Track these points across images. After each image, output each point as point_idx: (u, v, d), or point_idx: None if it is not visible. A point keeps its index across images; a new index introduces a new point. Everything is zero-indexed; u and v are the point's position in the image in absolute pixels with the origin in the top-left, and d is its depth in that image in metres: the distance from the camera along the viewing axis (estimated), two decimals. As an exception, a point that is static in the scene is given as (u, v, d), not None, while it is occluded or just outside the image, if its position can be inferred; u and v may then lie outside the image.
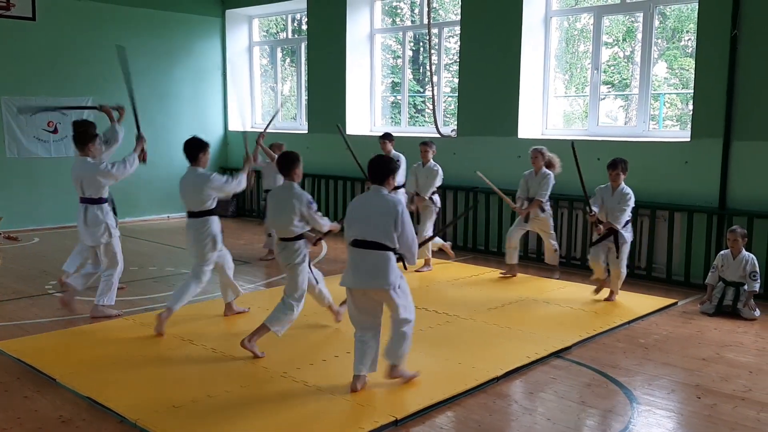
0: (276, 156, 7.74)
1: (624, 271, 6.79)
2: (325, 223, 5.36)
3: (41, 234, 10.43)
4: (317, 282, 5.65)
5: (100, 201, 6.26)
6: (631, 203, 6.62)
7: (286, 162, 5.23)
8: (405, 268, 4.69)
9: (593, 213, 6.62)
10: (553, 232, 7.79)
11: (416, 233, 4.63)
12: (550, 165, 7.57)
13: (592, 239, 7.00)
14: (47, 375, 4.79)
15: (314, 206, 5.21)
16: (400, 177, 7.86)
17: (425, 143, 8.12)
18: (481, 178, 7.80)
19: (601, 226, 6.64)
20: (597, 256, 6.81)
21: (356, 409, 4.26)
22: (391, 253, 4.42)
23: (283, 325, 5.22)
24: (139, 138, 6.60)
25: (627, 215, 6.63)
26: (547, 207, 7.62)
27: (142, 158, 6.58)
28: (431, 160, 8.05)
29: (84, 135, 6.29)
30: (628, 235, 6.70)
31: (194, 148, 5.80)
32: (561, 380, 4.86)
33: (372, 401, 4.35)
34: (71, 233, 10.52)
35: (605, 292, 6.90)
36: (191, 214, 5.83)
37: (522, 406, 4.46)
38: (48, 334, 5.72)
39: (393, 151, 8.25)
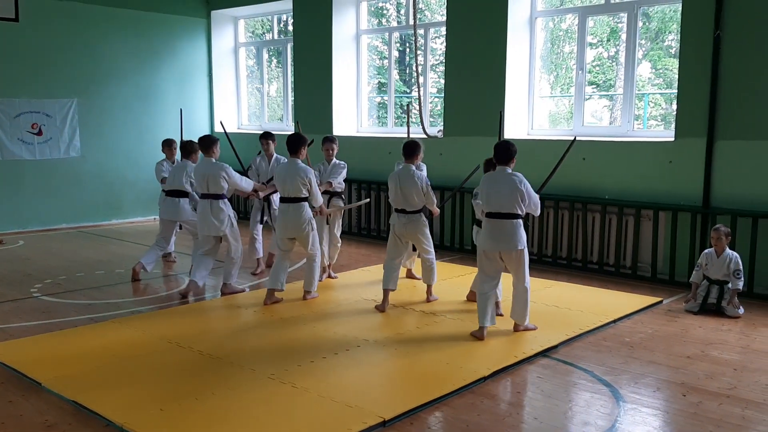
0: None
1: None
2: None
3: (26, 237, 10.34)
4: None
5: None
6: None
7: (411, 148, 6.51)
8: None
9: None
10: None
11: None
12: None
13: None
14: (32, 379, 4.75)
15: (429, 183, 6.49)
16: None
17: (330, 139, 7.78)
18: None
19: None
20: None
21: (344, 410, 4.25)
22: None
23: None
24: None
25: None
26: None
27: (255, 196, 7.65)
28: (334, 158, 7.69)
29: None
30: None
31: (295, 142, 6.56)
32: (548, 379, 4.88)
33: (360, 402, 4.35)
34: (56, 236, 10.48)
35: (597, 295, 6.87)
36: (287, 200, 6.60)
37: (510, 405, 4.48)
38: (32, 337, 5.67)
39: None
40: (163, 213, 8.09)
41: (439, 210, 6.86)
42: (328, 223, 7.56)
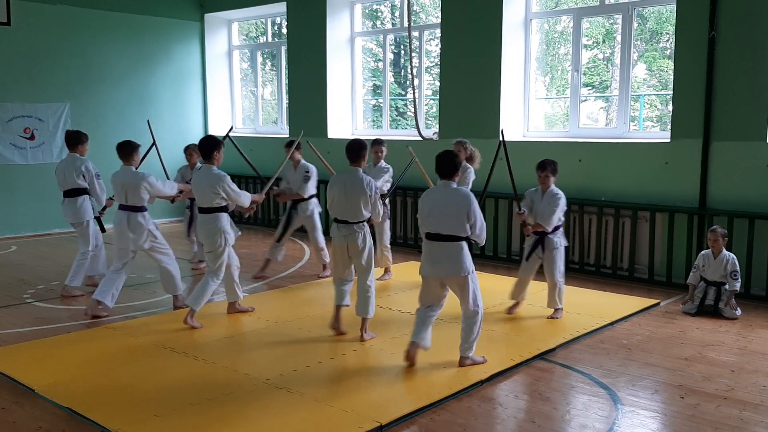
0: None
1: (560, 281, 6.26)
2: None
3: (19, 242, 10.28)
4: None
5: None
6: (562, 204, 6.15)
7: (355, 148, 5.70)
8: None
9: (522, 212, 6.20)
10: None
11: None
12: (471, 159, 7.28)
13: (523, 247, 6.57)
14: (25, 385, 4.71)
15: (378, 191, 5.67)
16: (311, 188, 7.84)
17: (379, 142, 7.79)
18: (411, 155, 7.16)
19: (530, 227, 6.23)
20: (526, 270, 6.36)
21: (341, 414, 4.22)
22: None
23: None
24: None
25: (558, 217, 6.16)
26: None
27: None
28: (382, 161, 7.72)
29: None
30: (559, 240, 6.24)
31: (209, 146, 6.01)
32: (545, 382, 4.85)
33: (356, 407, 4.32)
34: (49, 241, 10.42)
35: (590, 297, 6.86)
36: (202, 210, 6.08)
37: (507, 408, 4.45)
38: (26, 343, 5.62)
39: (302, 161, 7.89)
40: (66, 217, 7.32)
41: (380, 221, 6.27)
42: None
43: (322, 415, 4.23)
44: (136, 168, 6.46)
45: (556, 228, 6.22)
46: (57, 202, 7.40)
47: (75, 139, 7.26)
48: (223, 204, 6.03)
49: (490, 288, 7.45)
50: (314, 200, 7.96)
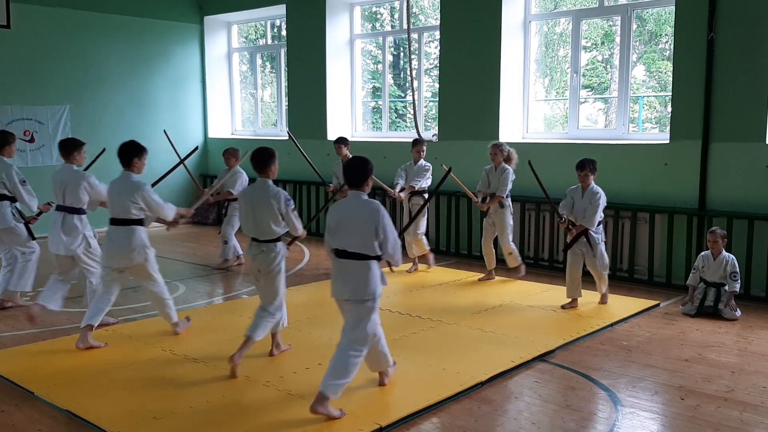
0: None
1: (603, 270, 6.67)
2: (299, 226, 5.09)
3: (18, 244, 10.26)
4: None
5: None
6: (602, 202, 6.53)
7: (262, 158, 4.94)
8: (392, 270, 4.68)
9: (563, 219, 6.54)
10: (509, 232, 7.64)
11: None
12: (508, 159, 7.61)
13: (567, 242, 6.84)
14: (24, 388, 4.70)
15: (292, 204, 4.95)
16: None
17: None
18: (448, 174, 7.39)
19: (573, 230, 6.56)
20: (573, 264, 6.66)
21: (340, 417, 4.21)
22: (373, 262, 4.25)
23: (266, 331, 5.10)
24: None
25: (599, 215, 6.54)
26: (508, 202, 7.60)
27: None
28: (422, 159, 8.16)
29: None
30: (599, 236, 6.61)
31: (129, 152, 5.52)
32: (545, 384, 4.85)
33: (356, 408, 4.31)
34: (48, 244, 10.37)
35: (594, 297, 6.86)
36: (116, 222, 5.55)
37: (507, 410, 4.44)
38: (24, 346, 5.62)
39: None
40: None
41: (305, 232, 5.30)
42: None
43: (322, 417, 4.22)
44: (78, 166, 6.17)
45: (598, 224, 6.58)
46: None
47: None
48: (140, 216, 5.53)
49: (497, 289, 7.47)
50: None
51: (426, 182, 8.09)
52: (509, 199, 7.64)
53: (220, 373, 4.96)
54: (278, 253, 5.01)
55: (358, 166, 4.29)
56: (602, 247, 6.63)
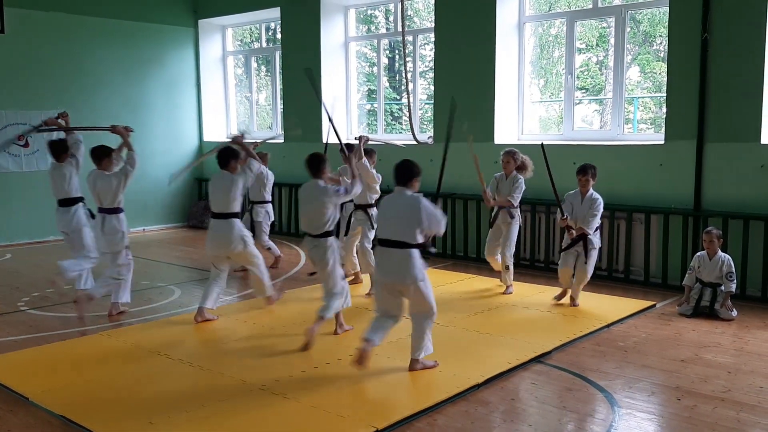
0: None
1: (589, 276, 6.68)
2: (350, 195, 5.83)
3: (13, 250, 10.25)
4: None
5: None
6: (601, 209, 6.60)
7: (316, 162, 5.71)
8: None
9: (565, 217, 6.60)
10: (512, 246, 7.21)
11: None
12: (522, 168, 7.21)
13: (562, 245, 6.86)
14: (19, 394, 4.68)
15: (340, 189, 5.65)
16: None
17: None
18: (470, 149, 7.17)
19: (573, 231, 6.63)
20: (566, 262, 6.75)
21: (336, 420, 4.20)
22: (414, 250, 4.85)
23: (333, 311, 5.67)
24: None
25: (597, 221, 6.62)
26: (517, 214, 7.17)
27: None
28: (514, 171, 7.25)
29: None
30: (596, 240, 6.67)
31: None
32: (542, 385, 4.84)
33: (352, 412, 4.30)
34: (44, 248, 10.37)
35: (591, 298, 6.88)
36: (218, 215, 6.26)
37: (503, 412, 4.43)
38: (20, 351, 5.58)
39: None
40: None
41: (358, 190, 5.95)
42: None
43: (319, 420, 4.21)
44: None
45: (596, 229, 6.65)
46: (51, 210, 7.36)
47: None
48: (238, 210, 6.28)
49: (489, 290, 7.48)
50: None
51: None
52: (518, 210, 7.21)
53: (217, 377, 4.95)
54: (329, 246, 5.68)
55: (409, 167, 5.03)
56: (595, 253, 6.66)
